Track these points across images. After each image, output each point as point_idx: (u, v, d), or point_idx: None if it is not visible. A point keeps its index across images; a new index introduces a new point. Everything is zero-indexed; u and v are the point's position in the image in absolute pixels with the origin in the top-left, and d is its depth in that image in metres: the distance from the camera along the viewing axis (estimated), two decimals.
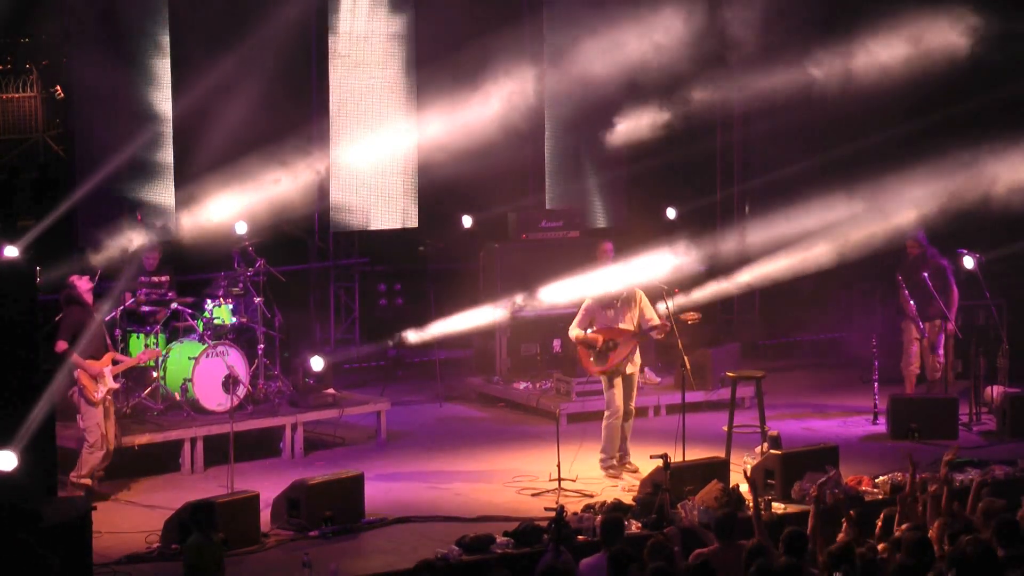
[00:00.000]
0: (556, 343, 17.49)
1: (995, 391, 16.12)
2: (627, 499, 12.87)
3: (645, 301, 14.23)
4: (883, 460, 14.26)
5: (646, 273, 14.44)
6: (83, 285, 13.58)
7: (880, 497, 12.93)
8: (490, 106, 17.24)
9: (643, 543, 9.97)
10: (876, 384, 16.25)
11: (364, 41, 18.21)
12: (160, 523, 12.18)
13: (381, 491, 13.54)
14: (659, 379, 17.19)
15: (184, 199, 16.59)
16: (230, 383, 14.05)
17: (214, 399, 14.70)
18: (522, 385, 17.19)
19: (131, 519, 12.85)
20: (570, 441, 14.23)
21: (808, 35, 17.43)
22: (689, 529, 11.68)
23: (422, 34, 18.35)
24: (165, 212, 16.78)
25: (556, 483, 13.48)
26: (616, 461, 14.12)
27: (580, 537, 11.87)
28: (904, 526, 10.18)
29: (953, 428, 15.52)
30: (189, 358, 14.79)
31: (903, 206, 16.31)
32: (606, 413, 14.18)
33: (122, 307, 14.80)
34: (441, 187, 18.31)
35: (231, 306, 15.34)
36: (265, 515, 12.48)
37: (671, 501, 12.32)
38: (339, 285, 18.93)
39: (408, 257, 19.09)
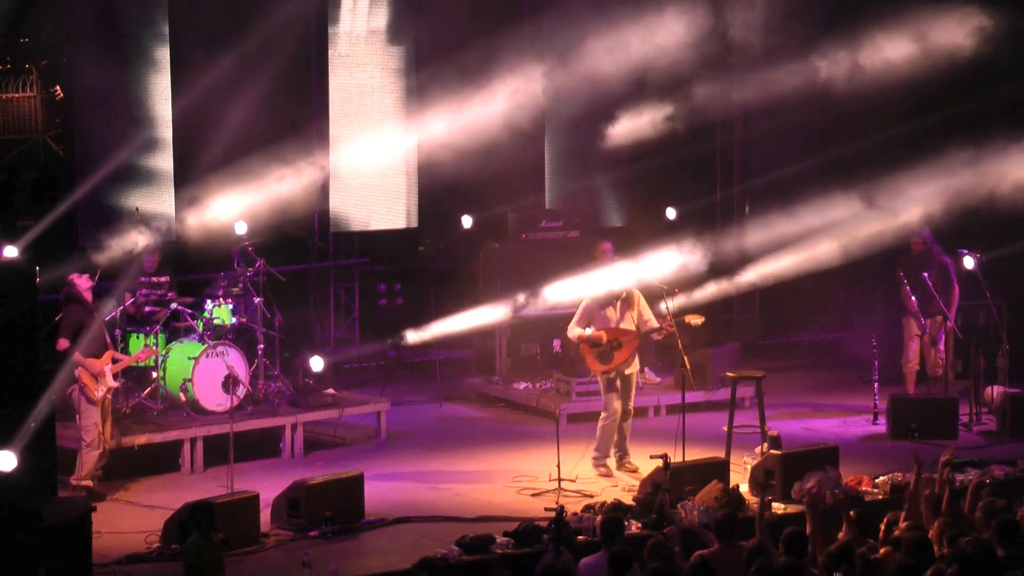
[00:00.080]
0: (556, 343, 17.49)
1: (995, 391, 16.12)
2: (627, 499, 12.87)
3: (643, 302, 14.24)
4: (883, 460, 14.26)
5: (646, 273, 14.44)
6: (83, 283, 13.58)
7: (880, 497, 12.94)
8: (490, 106, 17.22)
9: (643, 543, 9.97)
10: (876, 384, 16.25)
11: (364, 41, 18.21)
12: (160, 523, 12.18)
13: (381, 491, 13.53)
14: (659, 379, 17.19)
15: (184, 199, 16.58)
16: (230, 383, 14.05)
17: (214, 399, 14.70)
18: (522, 385, 17.19)
19: (131, 519, 12.85)
20: (572, 441, 14.25)
21: (812, 33, 17.40)
22: (689, 529, 11.68)
23: (422, 34, 18.34)
24: (165, 212, 16.77)
25: (556, 483, 13.48)
26: (610, 460, 14.13)
27: (580, 537, 11.87)
28: (903, 524, 10.18)
29: (953, 428, 15.52)
30: (189, 358, 14.79)
31: (906, 205, 16.30)
32: (603, 415, 14.19)
33: (122, 307, 14.80)
34: (441, 187, 18.31)
35: (231, 306, 15.34)
36: (265, 515, 12.48)
37: (671, 501, 12.32)
38: (339, 285, 18.92)
39: (408, 257, 19.09)
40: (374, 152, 18.04)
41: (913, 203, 16.27)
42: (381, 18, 18.26)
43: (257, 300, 15.57)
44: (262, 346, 15.56)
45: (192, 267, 16.85)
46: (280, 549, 12.13)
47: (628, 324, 14.13)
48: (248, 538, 12.05)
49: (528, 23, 18.96)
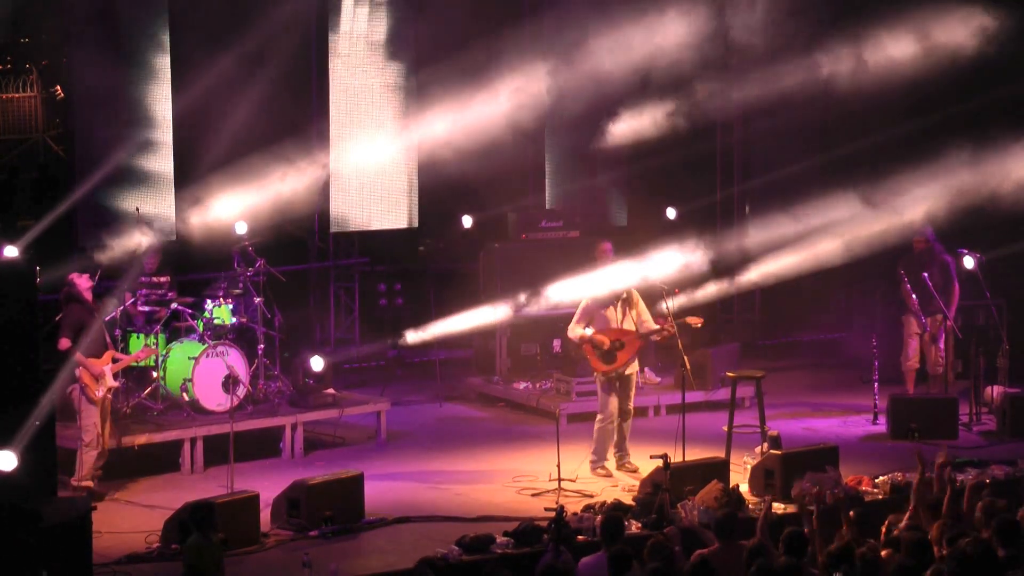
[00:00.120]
0: (556, 343, 17.49)
1: (995, 391, 16.12)
2: (627, 499, 12.86)
3: (641, 304, 14.23)
4: (883, 460, 14.25)
5: (646, 273, 14.43)
6: (83, 283, 13.58)
7: (880, 497, 12.93)
8: (490, 106, 17.21)
9: (643, 543, 9.96)
10: (876, 384, 16.24)
11: (365, 41, 18.21)
12: (160, 523, 12.18)
13: (381, 491, 13.52)
14: (659, 379, 17.19)
15: (184, 199, 16.58)
16: (230, 383, 14.05)
17: (214, 399, 14.70)
18: (522, 385, 17.19)
19: (131, 519, 12.84)
20: (572, 441, 14.25)
21: (814, 32, 17.38)
22: (689, 529, 11.67)
23: (423, 34, 18.34)
24: (165, 212, 16.77)
25: (556, 483, 13.48)
26: (609, 462, 14.13)
27: (580, 537, 11.86)
28: (903, 524, 10.17)
29: (953, 428, 15.51)
30: (189, 358, 14.78)
31: (908, 204, 16.29)
32: (599, 417, 14.19)
33: (122, 307, 14.80)
34: (442, 187, 18.32)
35: (231, 306, 15.34)
36: (265, 515, 12.48)
37: (671, 501, 12.31)
38: (339, 285, 18.93)
39: (408, 257, 19.09)
40: (374, 152, 18.06)
41: (916, 202, 16.27)
42: (381, 18, 18.26)
43: (257, 300, 15.57)
44: (262, 346, 15.56)
45: (192, 267, 16.85)
46: (280, 549, 12.13)
47: (630, 324, 14.12)
48: (248, 538, 12.04)
49: (528, 23, 18.96)
